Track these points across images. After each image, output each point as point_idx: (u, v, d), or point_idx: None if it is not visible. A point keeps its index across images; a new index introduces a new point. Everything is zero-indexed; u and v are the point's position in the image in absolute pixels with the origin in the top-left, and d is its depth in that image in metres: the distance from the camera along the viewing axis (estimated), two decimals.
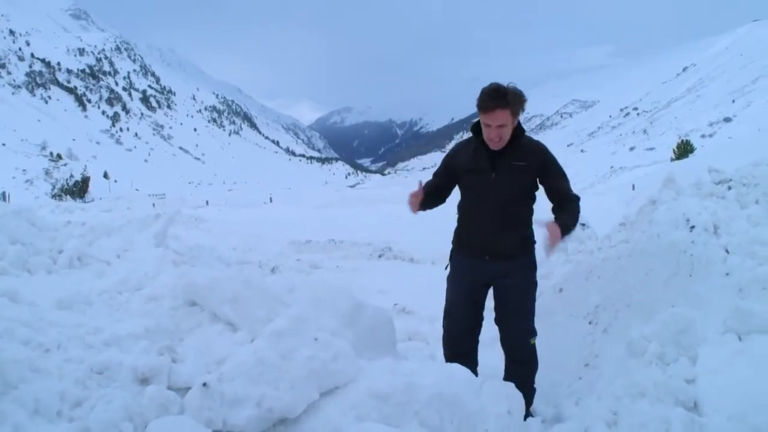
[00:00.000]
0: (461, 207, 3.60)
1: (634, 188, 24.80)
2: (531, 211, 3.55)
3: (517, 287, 3.49)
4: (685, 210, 4.16)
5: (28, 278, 3.99)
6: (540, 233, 3.27)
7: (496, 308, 3.59)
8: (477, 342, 3.73)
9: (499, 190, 3.37)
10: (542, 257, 3.54)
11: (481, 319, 3.69)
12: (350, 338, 2.67)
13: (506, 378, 3.54)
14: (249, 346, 2.13)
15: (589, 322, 4.50)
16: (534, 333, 3.59)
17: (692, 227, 3.97)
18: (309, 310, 2.30)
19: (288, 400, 1.91)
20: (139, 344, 2.19)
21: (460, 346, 3.61)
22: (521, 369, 3.58)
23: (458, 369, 2.20)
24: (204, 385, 1.90)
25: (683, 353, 2.93)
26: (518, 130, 3.37)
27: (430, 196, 3.59)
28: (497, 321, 3.61)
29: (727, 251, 3.69)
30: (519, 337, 3.53)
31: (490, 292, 3.69)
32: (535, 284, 3.59)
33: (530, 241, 3.57)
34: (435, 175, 3.74)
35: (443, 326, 3.71)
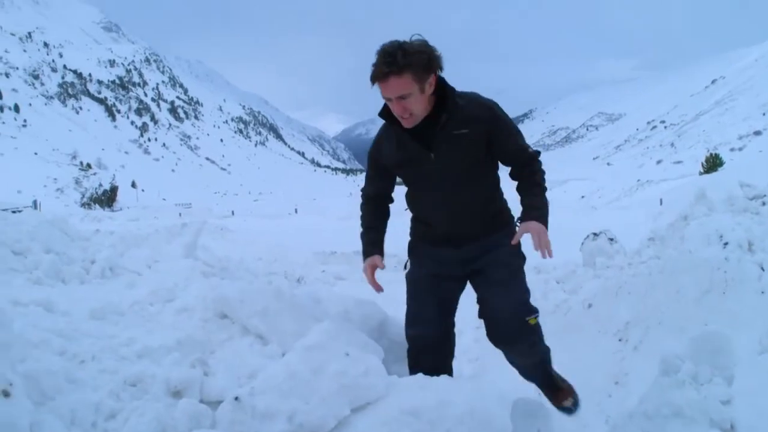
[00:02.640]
0: (408, 201, 2.96)
1: (661, 203, 24.49)
2: (494, 181, 2.84)
3: (497, 260, 2.74)
4: (717, 226, 4.10)
5: (62, 288, 4.07)
6: (523, 236, 2.60)
7: (478, 295, 2.86)
8: (452, 354, 2.97)
9: (444, 173, 2.67)
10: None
11: (453, 325, 2.96)
12: (379, 352, 2.67)
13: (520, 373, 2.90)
14: (280, 360, 2.14)
15: (619, 339, 4.44)
16: (531, 309, 2.74)
17: (725, 244, 3.91)
18: (339, 324, 2.30)
19: (319, 415, 1.90)
20: (171, 356, 2.21)
21: (431, 362, 2.79)
22: (517, 352, 2.80)
23: (490, 385, 2.18)
24: (236, 399, 1.90)
25: (718, 373, 2.86)
26: (444, 91, 2.62)
27: (379, 216, 3.02)
28: (480, 311, 2.84)
29: (763, 269, 3.63)
30: (508, 313, 2.71)
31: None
32: (521, 256, 2.83)
33: (503, 215, 2.87)
34: (369, 179, 3.04)
35: (407, 338, 2.92)
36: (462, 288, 2.93)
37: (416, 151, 2.66)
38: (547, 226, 2.55)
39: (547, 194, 2.73)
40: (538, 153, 2.77)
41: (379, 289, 2.88)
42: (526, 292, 2.78)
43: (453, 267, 2.82)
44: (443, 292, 2.85)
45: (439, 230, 2.81)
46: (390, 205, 3.07)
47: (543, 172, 2.74)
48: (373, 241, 2.95)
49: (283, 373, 1.96)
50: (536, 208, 2.59)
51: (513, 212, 2.90)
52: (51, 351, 2.16)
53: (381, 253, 2.94)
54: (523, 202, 2.69)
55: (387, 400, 2.04)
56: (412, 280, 2.94)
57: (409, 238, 3.06)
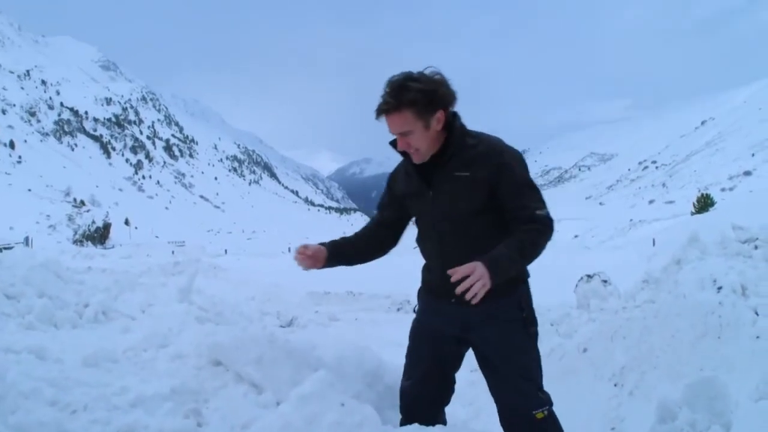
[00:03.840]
0: (416, 239, 2.73)
1: (654, 243, 24.56)
2: (501, 233, 2.39)
3: (498, 340, 2.49)
4: (711, 270, 4.11)
5: (54, 333, 4.03)
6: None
7: (484, 374, 2.64)
8: (442, 413, 2.82)
9: (441, 214, 2.49)
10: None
11: (451, 383, 2.76)
12: (373, 399, 2.65)
13: None
14: (275, 410, 2.11)
15: (615, 384, 4.40)
16: (540, 402, 2.49)
17: (719, 288, 3.92)
18: (334, 372, 2.28)
19: None
20: (164, 406, 2.18)
21: (420, 417, 2.60)
22: None
23: None
24: None
25: (716, 420, 2.84)
26: (454, 130, 2.45)
27: (363, 239, 2.79)
28: (490, 392, 2.63)
29: (757, 313, 3.63)
30: (515, 410, 2.50)
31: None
32: (526, 331, 2.53)
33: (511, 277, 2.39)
34: (379, 206, 2.86)
35: (400, 388, 2.78)
36: (463, 347, 2.67)
37: (418, 185, 2.54)
38: (495, 277, 2.16)
39: (530, 260, 2.35)
40: (546, 219, 2.37)
41: (303, 260, 2.62)
42: (535, 381, 2.53)
43: (451, 325, 2.57)
44: (441, 349, 2.64)
45: (436, 278, 2.58)
46: (386, 240, 2.81)
47: (539, 236, 2.33)
48: (334, 242, 2.75)
49: (278, 423, 1.93)
50: (495, 258, 2.22)
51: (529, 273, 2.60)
52: (43, 401, 2.13)
53: (332, 254, 2.68)
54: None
55: None
56: (412, 331, 2.78)
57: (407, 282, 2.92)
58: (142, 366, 3.04)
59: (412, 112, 2.32)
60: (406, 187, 2.62)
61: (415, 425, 2.23)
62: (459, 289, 2.13)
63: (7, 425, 1.67)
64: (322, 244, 2.71)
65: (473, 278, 2.12)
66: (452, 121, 2.44)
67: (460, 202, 2.43)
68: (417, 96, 2.30)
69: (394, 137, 2.48)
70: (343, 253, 2.73)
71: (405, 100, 2.30)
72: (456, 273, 2.15)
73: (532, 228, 2.33)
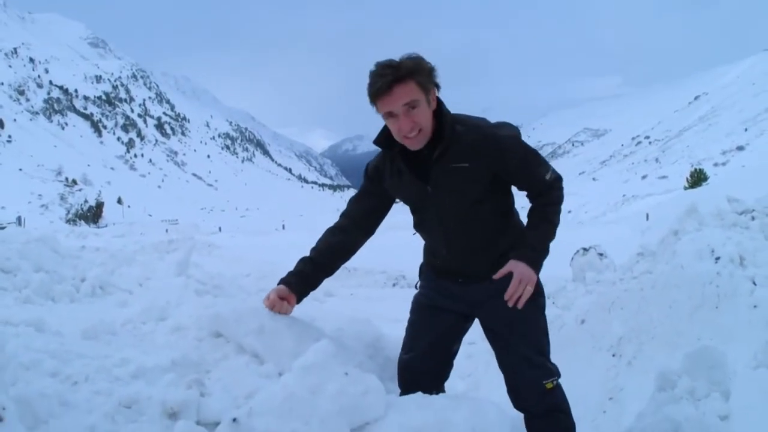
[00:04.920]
0: (414, 225, 2.71)
1: (648, 218, 24.65)
2: (504, 213, 2.56)
3: (509, 314, 2.45)
4: (709, 241, 4.11)
5: (52, 307, 4.04)
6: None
7: (493, 347, 2.66)
8: (442, 388, 2.79)
9: (442, 207, 2.45)
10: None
11: (452, 357, 2.78)
12: (375, 370, 2.64)
13: None
14: (278, 380, 2.11)
15: (613, 354, 4.43)
16: (550, 372, 2.51)
17: (717, 258, 3.92)
18: (336, 343, 2.27)
19: None
20: (166, 377, 2.17)
21: (419, 389, 2.48)
22: (541, 424, 2.54)
23: (489, 404, 2.16)
24: (234, 420, 1.87)
25: (715, 388, 2.87)
26: (444, 118, 2.36)
27: (333, 249, 2.71)
28: (499, 365, 2.65)
29: (754, 283, 3.65)
30: (526, 381, 2.51)
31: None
32: (535, 303, 2.51)
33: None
34: (356, 197, 2.75)
35: (398, 361, 2.79)
36: (467, 322, 2.72)
37: (412, 183, 2.46)
38: (538, 271, 2.41)
39: (554, 236, 2.50)
40: (557, 180, 2.49)
41: (281, 307, 2.66)
42: (545, 352, 2.56)
43: (456, 303, 2.61)
44: (442, 325, 2.65)
45: (441, 262, 2.61)
46: (361, 239, 2.74)
47: (559, 202, 2.50)
48: (302, 273, 2.69)
49: (281, 393, 1.93)
50: (534, 249, 2.41)
51: None
52: (43, 373, 2.12)
53: (299, 290, 2.67)
54: (526, 233, 2.49)
55: (386, 420, 2.01)
56: (414, 305, 2.78)
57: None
58: (142, 338, 3.04)
59: (416, 83, 2.24)
60: (399, 184, 2.53)
61: (419, 394, 2.24)
62: (511, 301, 2.38)
63: (8, 396, 1.67)
64: (281, 281, 2.70)
65: (523, 284, 2.37)
66: (440, 109, 2.37)
67: (460, 194, 2.41)
68: (418, 66, 2.25)
69: (378, 134, 2.50)
70: (311, 278, 2.71)
71: (406, 70, 2.22)
72: (513, 296, 2.37)
73: (550, 199, 2.49)
